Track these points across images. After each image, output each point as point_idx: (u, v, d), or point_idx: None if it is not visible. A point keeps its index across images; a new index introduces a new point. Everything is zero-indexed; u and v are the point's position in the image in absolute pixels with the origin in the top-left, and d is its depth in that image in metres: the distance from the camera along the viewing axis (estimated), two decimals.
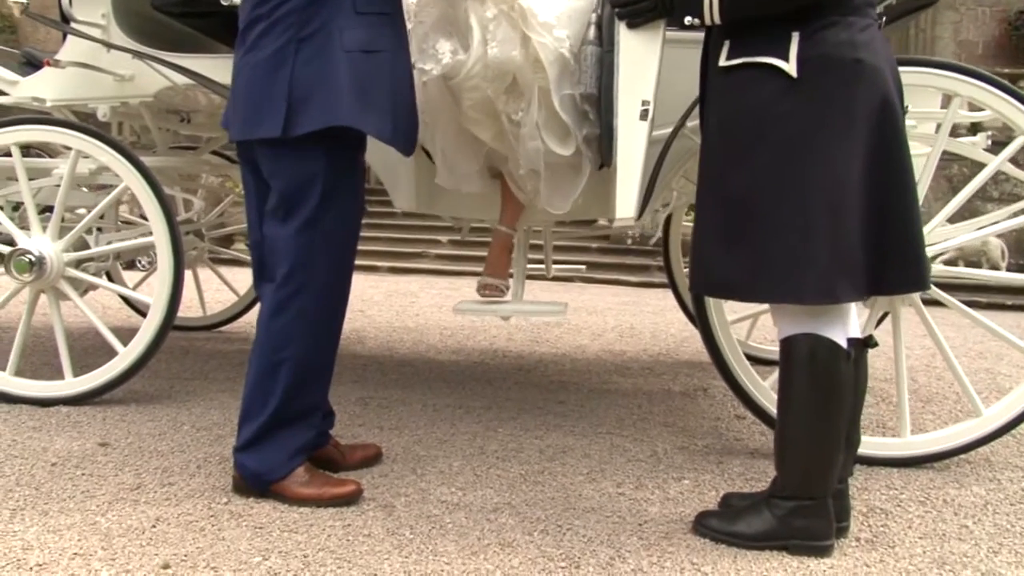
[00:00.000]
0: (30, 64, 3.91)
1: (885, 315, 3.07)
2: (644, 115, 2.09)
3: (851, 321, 2.05)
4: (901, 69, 2.63)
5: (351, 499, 2.28)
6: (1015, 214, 3.06)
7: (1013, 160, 2.74)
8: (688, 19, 1.98)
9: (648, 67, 2.07)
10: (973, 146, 3.09)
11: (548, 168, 2.59)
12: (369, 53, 2.19)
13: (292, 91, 2.17)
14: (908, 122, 2.89)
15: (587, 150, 2.55)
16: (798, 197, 1.89)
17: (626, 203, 2.15)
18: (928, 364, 4.55)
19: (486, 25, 2.47)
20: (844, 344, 1.96)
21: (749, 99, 1.91)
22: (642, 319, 6.02)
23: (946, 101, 2.86)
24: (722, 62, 1.95)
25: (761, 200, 1.91)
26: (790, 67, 1.87)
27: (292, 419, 2.28)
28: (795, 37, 1.88)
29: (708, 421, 3.23)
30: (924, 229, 2.73)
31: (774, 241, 1.89)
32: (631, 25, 2.07)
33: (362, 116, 2.18)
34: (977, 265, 10.21)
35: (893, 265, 1.98)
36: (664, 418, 3.26)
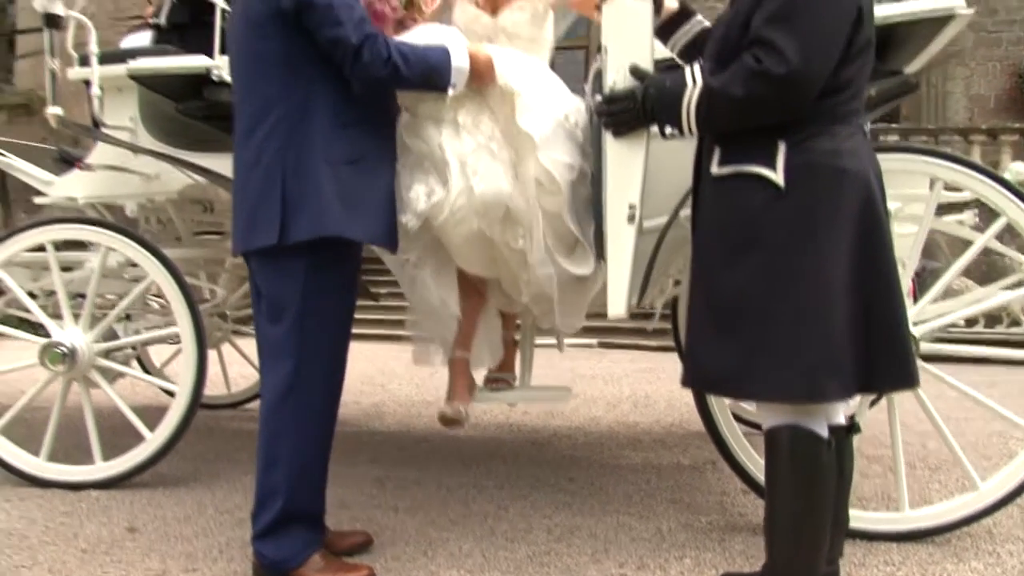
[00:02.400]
0: (64, 160, 4.14)
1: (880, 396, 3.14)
2: (631, 218, 2.23)
3: (835, 409, 2.15)
4: (890, 156, 2.78)
5: None
6: (1012, 286, 3.17)
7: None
8: (668, 130, 2.13)
9: (633, 172, 2.21)
10: (960, 224, 3.20)
11: (560, 288, 2.62)
12: (354, 164, 2.39)
13: (285, 202, 2.35)
14: (894, 204, 3.04)
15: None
16: (788, 299, 1.99)
17: (617, 301, 2.28)
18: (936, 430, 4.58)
19: (465, 160, 2.53)
20: (825, 434, 2.06)
21: (741, 206, 2.04)
22: (658, 387, 6.10)
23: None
24: (714, 170, 2.09)
25: (753, 301, 2.01)
26: (778, 177, 1.99)
27: (303, 510, 2.41)
28: (782, 147, 2.00)
29: (714, 496, 3.31)
30: (916, 306, 2.88)
31: (765, 341, 2.00)
32: (616, 134, 2.22)
33: (349, 224, 2.36)
34: (998, 320, 10.21)
35: (881, 363, 2.06)
36: (671, 494, 3.34)
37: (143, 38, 4.29)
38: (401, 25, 2.69)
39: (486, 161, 2.54)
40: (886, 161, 2.78)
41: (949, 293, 3.91)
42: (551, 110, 2.55)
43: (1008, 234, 3.37)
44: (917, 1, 2.89)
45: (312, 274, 2.38)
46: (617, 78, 2.20)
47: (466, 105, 2.57)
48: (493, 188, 2.51)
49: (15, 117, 13.87)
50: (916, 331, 2.84)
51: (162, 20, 4.19)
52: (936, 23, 2.91)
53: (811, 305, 1.99)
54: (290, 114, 2.38)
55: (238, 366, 5.34)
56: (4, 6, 14.98)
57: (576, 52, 15.33)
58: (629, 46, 2.22)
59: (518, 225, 2.55)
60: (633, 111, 2.17)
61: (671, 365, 7.43)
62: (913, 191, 3.04)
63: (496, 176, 2.52)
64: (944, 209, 3.36)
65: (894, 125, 11.96)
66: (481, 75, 2.53)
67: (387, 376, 6.53)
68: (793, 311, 1.99)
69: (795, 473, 2.05)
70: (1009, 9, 14.03)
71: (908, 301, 2.62)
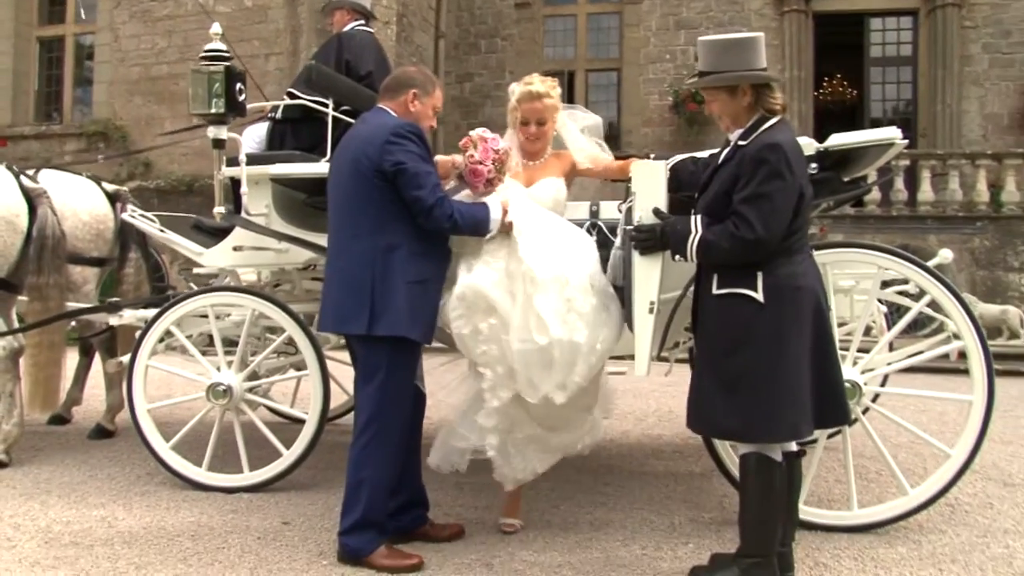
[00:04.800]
0: (198, 228, 5.20)
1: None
2: (651, 310, 3.25)
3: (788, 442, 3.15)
4: (848, 250, 3.79)
5: (416, 568, 3.40)
6: (938, 344, 4.13)
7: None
8: (677, 257, 3.16)
9: (653, 279, 3.23)
10: (901, 295, 4.18)
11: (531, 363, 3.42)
12: (420, 283, 3.44)
13: (373, 306, 3.40)
14: (848, 282, 4.05)
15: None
16: (772, 377, 3.01)
17: (641, 365, 3.33)
18: (912, 441, 5.54)
19: (470, 271, 3.53)
20: (779, 458, 3.07)
21: (735, 315, 3.06)
22: (680, 400, 6.93)
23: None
24: (714, 291, 3.11)
25: (748, 379, 3.03)
26: (759, 296, 3.02)
27: (375, 517, 3.44)
28: (759, 275, 3.03)
29: (716, 498, 4.33)
30: (870, 354, 3.87)
31: (759, 405, 3.00)
32: (642, 253, 3.24)
33: (411, 327, 3.42)
34: (998, 333, 11.09)
35: (827, 408, 3.11)
36: (684, 495, 4.37)
37: (260, 129, 5.31)
38: (490, 183, 3.68)
39: (480, 268, 3.53)
40: (847, 254, 3.84)
41: None
42: (541, 230, 3.56)
43: None
44: (868, 133, 3.90)
45: (394, 355, 3.45)
46: (644, 215, 3.23)
47: (494, 250, 3.57)
48: (473, 282, 3.49)
49: (93, 144, 15.10)
50: (865, 377, 3.87)
51: (277, 115, 5.21)
52: (881, 148, 3.91)
53: (788, 376, 3.02)
54: (378, 244, 3.43)
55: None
56: (87, 43, 16.07)
57: (611, 73, 16.41)
58: (651, 192, 3.26)
59: (493, 313, 3.47)
60: (653, 240, 3.20)
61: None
62: (864, 271, 4.02)
63: (480, 276, 3.50)
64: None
65: (905, 151, 12.80)
66: (503, 225, 3.57)
67: (448, 391, 7.54)
68: (776, 380, 3.01)
69: (757, 486, 3.08)
70: (1023, 31, 14.76)
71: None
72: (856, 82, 17.10)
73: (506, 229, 3.58)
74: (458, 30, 16.44)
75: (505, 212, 3.58)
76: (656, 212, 3.25)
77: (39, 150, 15.11)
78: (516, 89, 3.89)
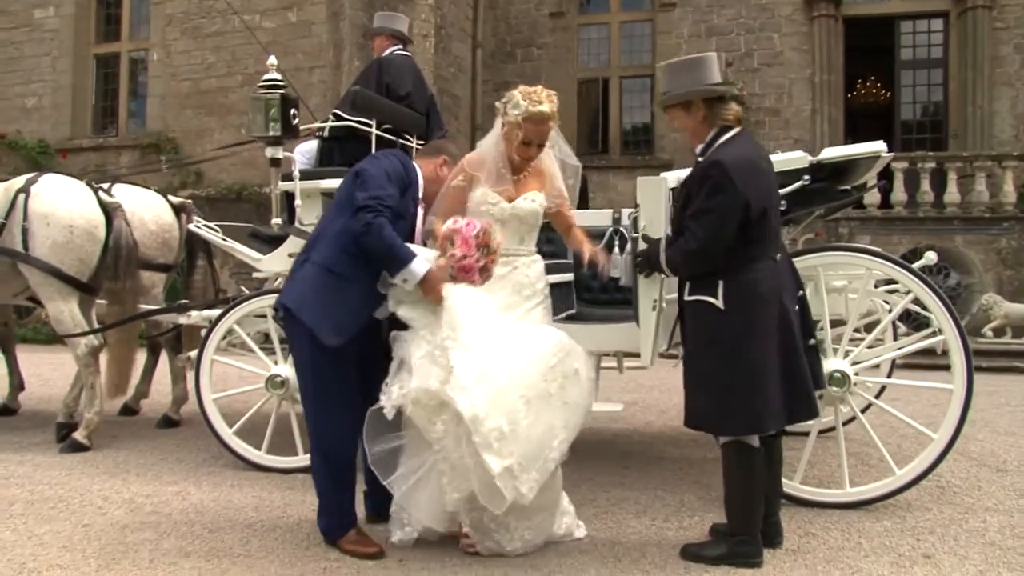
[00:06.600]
0: (255, 237, 5.73)
1: None
2: (654, 308, 3.71)
3: None
4: (839, 253, 4.20)
5: (376, 556, 3.54)
6: (924, 337, 4.52)
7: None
8: (662, 275, 3.61)
9: (654, 281, 3.70)
10: (891, 294, 4.58)
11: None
12: (334, 274, 3.54)
13: (292, 277, 3.73)
14: (841, 282, 4.46)
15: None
16: (734, 373, 3.38)
17: (645, 356, 3.80)
18: (918, 432, 5.90)
19: (422, 362, 3.40)
20: (757, 444, 3.47)
21: (703, 319, 3.46)
22: None
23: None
24: (685, 297, 3.52)
25: (714, 375, 3.42)
26: (719, 303, 3.39)
27: (326, 505, 3.71)
28: (720, 283, 3.40)
29: None
30: (857, 348, 4.27)
31: (723, 398, 3.39)
32: (646, 276, 3.69)
33: (312, 319, 3.52)
34: None
35: (796, 404, 3.47)
36: (696, 477, 4.80)
37: (311, 146, 5.85)
38: (485, 269, 3.53)
39: (426, 364, 3.42)
40: (838, 257, 4.24)
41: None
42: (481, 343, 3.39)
43: None
44: (856, 147, 4.31)
45: (314, 342, 3.52)
46: (648, 226, 3.65)
47: (434, 327, 3.47)
48: (423, 385, 3.37)
49: (146, 155, 15.84)
50: (854, 368, 4.27)
51: (325, 133, 5.73)
52: (870, 159, 4.31)
53: (748, 379, 3.37)
54: (324, 230, 3.71)
55: None
56: (141, 59, 16.75)
57: (644, 80, 16.79)
58: (653, 204, 3.70)
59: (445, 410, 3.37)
60: (645, 262, 3.65)
61: None
62: (856, 272, 4.42)
63: (428, 374, 3.38)
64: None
65: (931, 153, 13.06)
66: (429, 290, 3.49)
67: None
68: (737, 382, 3.38)
69: (738, 471, 3.49)
70: None
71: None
72: (888, 84, 17.29)
73: (425, 293, 3.51)
74: (494, 40, 16.89)
75: (432, 278, 3.49)
76: (644, 239, 3.66)
77: (97, 161, 15.87)
78: (521, 105, 3.62)
